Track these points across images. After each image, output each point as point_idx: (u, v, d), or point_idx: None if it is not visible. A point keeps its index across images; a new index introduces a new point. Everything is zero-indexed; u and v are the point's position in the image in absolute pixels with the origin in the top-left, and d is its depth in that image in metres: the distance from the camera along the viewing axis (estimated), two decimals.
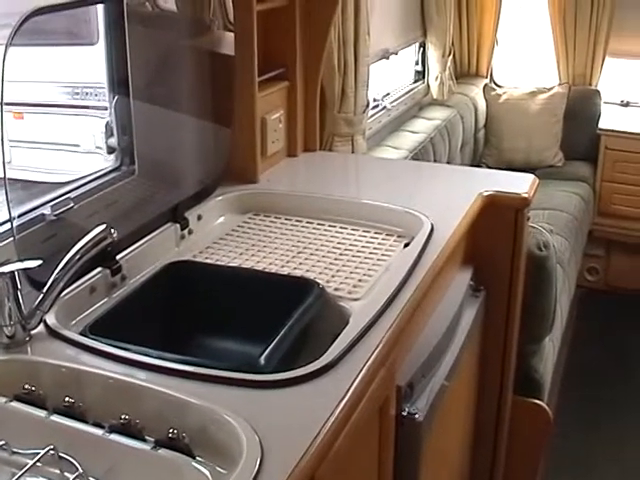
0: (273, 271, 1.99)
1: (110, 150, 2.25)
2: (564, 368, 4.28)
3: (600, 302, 5.14)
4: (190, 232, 2.15)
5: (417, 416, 1.84)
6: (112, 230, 1.65)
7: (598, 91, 5.22)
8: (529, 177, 2.61)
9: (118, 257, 1.86)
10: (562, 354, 4.17)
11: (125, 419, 1.33)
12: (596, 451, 3.74)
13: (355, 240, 2.17)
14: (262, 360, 1.54)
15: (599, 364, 4.47)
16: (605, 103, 5.26)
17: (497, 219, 2.44)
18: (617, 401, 4.16)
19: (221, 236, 2.19)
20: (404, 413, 1.83)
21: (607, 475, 3.60)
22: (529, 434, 3.06)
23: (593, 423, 3.96)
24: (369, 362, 1.52)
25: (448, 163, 4.33)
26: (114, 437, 1.33)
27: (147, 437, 1.34)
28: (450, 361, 2.11)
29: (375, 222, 2.25)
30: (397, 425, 1.81)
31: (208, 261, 2.05)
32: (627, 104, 5.51)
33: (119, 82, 2.18)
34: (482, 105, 5.08)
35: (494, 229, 2.46)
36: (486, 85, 5.24)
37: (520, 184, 2.53)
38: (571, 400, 4.07)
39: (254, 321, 1.81)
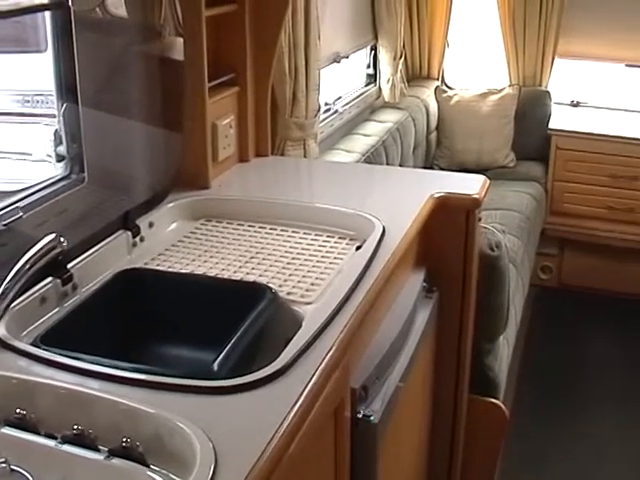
0: (226, 277, 1.99)
1: (59, 158, 2.23)
2: (519, 366, 4.33)
3: (554, 300, 5.20)
4: (142, 239, 2.13)
5: (372, 418, 1.85)
6: (62, 239, 1.64)
7: (548, 92, 5.28)
8: (480, 178, 2.64)
9: (69, 266, 1.83)
10: (517, 352, 4.20)
11: (78, 429, 1.32)
12: (552, 448, 3.78)
13: (307, 244, 2.17)
14: (215, 366, 1.54)
15: (554, 361, 4.53)
16: (555, 104, 5.33)
17: (448, 220, 2.47)
18: (572, 398, 4.21)
19: (173, 243, 2.18)
20: (359, 415, 1.84)
21: (562, 471, 3.64)
22: (486, 433, 3.08)
23: (549, 420, 4.00)
24: (322, 365, 1.53)
25: (401, 165, 4.34)
26: (67, 448, 1.32)
27: (100, 447, 1.33)
28: (404, 362, 2.12)
29: (327, 226, 2.26)
30: (353, 427, 1.81)
31: (160, 268, 2.03)
32: (577, 104, 5.59)
33: (67, 89, 2.17)
34: (434, 107, 5.11)
35: (446, 230, 2.48)
36: (437, 87, 5.27)
37: (471, 185, 2.55)
38: (527, 398, 4.12)
39: (207, 327, 1.81)
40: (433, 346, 2.60)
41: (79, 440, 1.32)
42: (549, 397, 4.20)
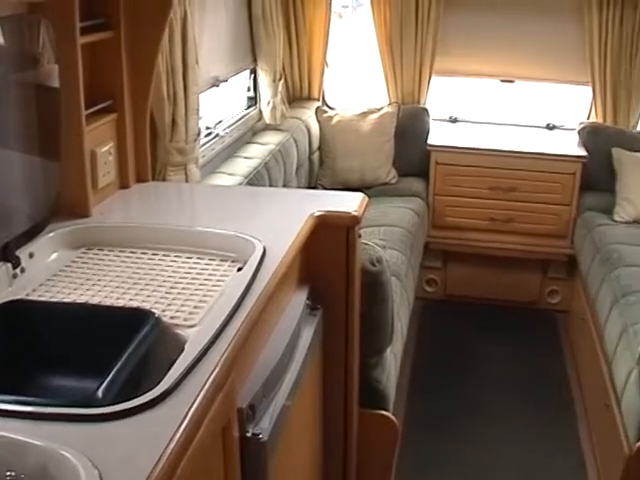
0: (108, 304, 1.98)
1: None
2: (410, 377, 4.41)
3: (440, 311, 5.34)
4: (22, 270, 2.10)
5: (261, 436, 1.87)
6: None
7: (426, 109, 5.42)
8: (359, 196, 2.69)
9: None
10: (406, 364, 4.29)
11: None
12: (444, 454, 3.87)
13: (190, 267, 2.19)
14: (99, 393, 1.54)
15: (442, 370, 4.64)
16: (434, 120, 5.47)
17: (329, 238, 2.51)
18: (462, 404, 4.32)
19: (55, 273, 2.16)
20: (248, 434, 1.86)
21: (455, 476, 3.73)
22: (378, 445, 3.13)
23: (440, 427, 4.09)
24: (206, 386, 1.54)
25: (284, 186, 4.39)
26: None
27: None
28: (291, 380, 2.15)
29: (209, 249, 2.28)
30: (242, 447, 1.83)
31: (42, 299, 2.02)
32: (455, 120, 5.75)
33: None
34: (315, 127, 5.19)
35: (327, 248, 2.52)
36: (318, 108, 5.35)
37: (350, 203, 2.61)
38: (418, 407, 4.20)
39: (91, 355, 1.80)
40: (320, 362, 2.64)
41: None
42: (440, 405, 4.29)
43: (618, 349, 3.51)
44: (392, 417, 3.12)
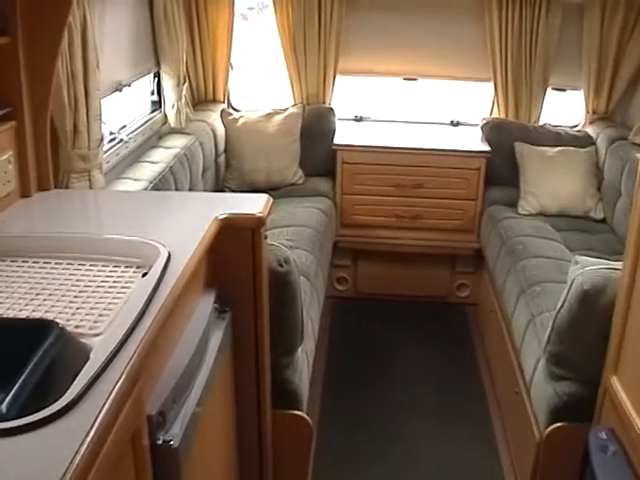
0: (11, 316, 1.95)
1: None
2: (323, 376, 4.43)
3: (352, 309, 5.39)
4: None
5: (172, 443, 1.86)
6: None
7: (332, 108, 5.46)
8: (263, 197, 2.70)
9: None
10: (319, 363, 4.32)
11: None
12: (361, 452, 3.90)
13: (94, 275, 2.16)
14: (3, 407, 1.50)
15: (356, 368, 4.67)
16: (340, 120, 5.51)
17: (235, 241, 2.51)
18: (378, 401, 4.35)
19: None
20: (159, 441, 1.84)
21: (373, 474, 3.76)
22: (292, 445, 3.15)
23: (357, 425, 4.12)
24: (112, 395, 1.52)
25: (190, 190, 4.36)
26: None
27: None
28: (201, 384, 2.15)
29: (113, 255, 2.25)
30: (153, 454, 1.82)
31: None
32: (360, 119, 5.80)
33: None
34: (221, 130, 5.17)
35: (233, 251, 2.52)
36: (223, 110, 5.34)
37: (255, 205, 2.61)
38: (333, 405, 4.23)
39: None
40: (231, 365, 2.64)
41: None
42: (355, 403, 4.32)
43: (526, 338, 3.59)
44: (306, 417, 3.14)
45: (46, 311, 1.97)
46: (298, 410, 3.13)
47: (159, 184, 3.86)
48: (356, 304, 5.47)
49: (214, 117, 5.18)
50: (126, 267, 2.22)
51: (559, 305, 3.08)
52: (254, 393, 2.80)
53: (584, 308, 2.96)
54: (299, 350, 3.20)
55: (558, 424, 3.12)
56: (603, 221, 5.00)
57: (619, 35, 5.15)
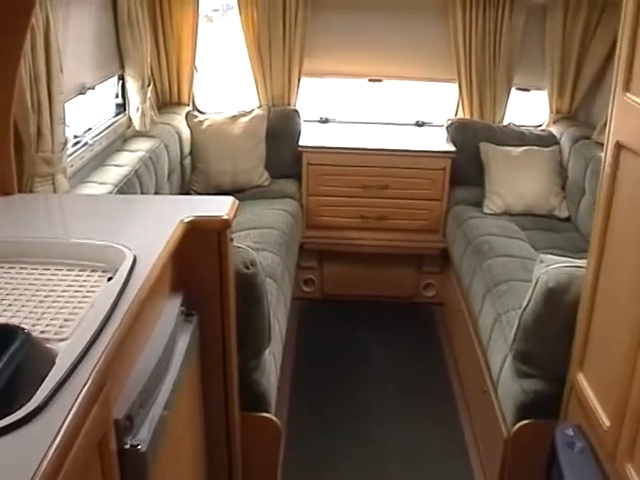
0: None
1: None
2: (291, 378, 4.44)
3: (319, 311, 5.40)
4: None
5: (140, 447, 1.85)
6: None
7: (297, 110, 5.47)
8: (229, 199, 2.69)
9: None
10: (287, 365, 4.32)
11: None
12: (331, 453, 3.91)
13: (59, 280, 2.14)
14: None
15: (324, 369, 4.69)
16: (305, 121, 5.52)
17: (201, 243, 2.50)
18: (347, 401, 4.37)
19: None
20: (126, 446, 1.83)
21: (343, 474, 3.77)
22: (261, 447, 3.16)
23: (326, 426, 4.13)
24: (79, 400, 1.51)
25: (156, 193, 4.35)
26: None
27: None
28: (168, 388, 2.14)
29: (78, 260, 2.23)
30: (121, 459, 1.81)
31: None
32: (326, 121, 5.81)
33: None
34: (186, 133, 5.16)
35: (199, 253, 2.51)
36: (189, 112, 5.32)
37: (220, 207, 2.60)
38: (302, 407, 4.23)
39: None
40: (198, 368, 2.63)
41: None
42: (323, 404, 4.33)
43: (492, 337, 3.62)
44: (274, 418, 3.15)
45: (11, 316, 1.95)
46: (266, 412, 3.14)
47: (124, 187, 3.85)
48: (323, 305, 5.48)
49: (179, 120, 5.17)
50: (91, 271, 2.20)
51: (525, 303, 3.11)
52: (222, 396, 2.79)
53: (549, 306, 2.99)
54: (266, 352, 3.20)
55: (525, 421, 3.14)
56: (567, 219, 5.05)
57: (582, 35, 5.21)
